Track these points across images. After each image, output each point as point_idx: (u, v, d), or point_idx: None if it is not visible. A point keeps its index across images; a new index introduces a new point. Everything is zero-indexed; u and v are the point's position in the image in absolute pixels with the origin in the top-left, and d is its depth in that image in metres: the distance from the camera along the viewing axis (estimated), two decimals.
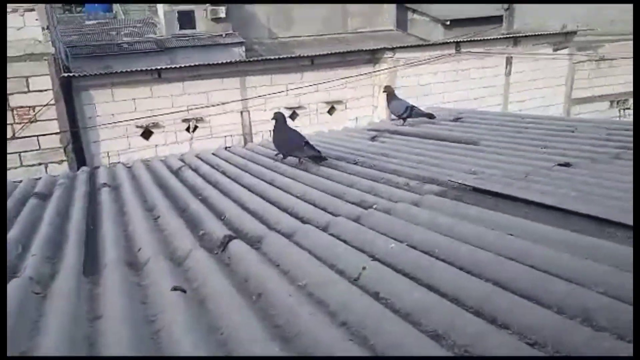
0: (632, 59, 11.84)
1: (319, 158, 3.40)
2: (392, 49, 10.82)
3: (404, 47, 11.01)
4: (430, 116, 4.84)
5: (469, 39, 11.66)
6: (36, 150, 9.21)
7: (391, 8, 17.52)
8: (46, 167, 9.49)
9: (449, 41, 11.30)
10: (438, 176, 2.60)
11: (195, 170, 3.59)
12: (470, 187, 2.22)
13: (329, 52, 10.61)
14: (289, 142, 3.62)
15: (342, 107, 11.22)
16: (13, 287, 1.62)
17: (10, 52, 8.60)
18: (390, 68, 10.80)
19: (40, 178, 3.82)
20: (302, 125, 10.99)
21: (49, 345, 1.24)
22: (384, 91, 5.22)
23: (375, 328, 1.21)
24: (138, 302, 1.49)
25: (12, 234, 2.36)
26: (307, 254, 1.73)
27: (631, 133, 3.24)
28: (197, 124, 10.31)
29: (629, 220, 1.61)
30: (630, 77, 12.09)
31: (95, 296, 1.59)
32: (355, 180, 2.76)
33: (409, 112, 4.80)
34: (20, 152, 9.14)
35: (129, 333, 1.29)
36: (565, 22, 12.47)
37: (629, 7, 11.78)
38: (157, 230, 2.30)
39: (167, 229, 2.28)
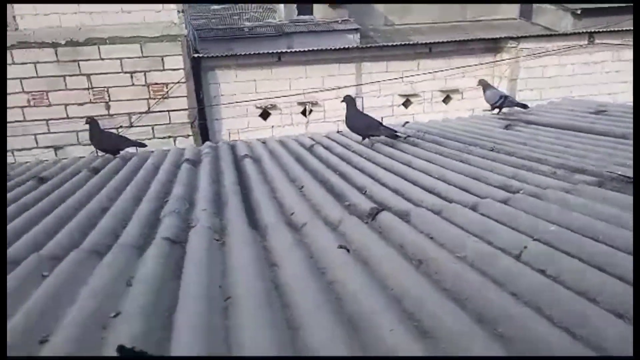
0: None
1: (395, 136, 3.67)
2: (517, 38, 10.30)
3: (529, 36, 10.43)
4: (524, 106, 4.91)
5: (603, 29, 10.75)
6: (166, 124, 10.00)
7: None
8: (175, 140, 10.31)
9: (580, 31, 10.51)
10: (588, 167, 2.50)
11: (328, 149, 3.74)
12: (630, 179, 2.11)
13: (449, 40, 10.37)
14: (365, 123, 3.84)
15: (458, 96, 10.94)
16: (196, 233, 1.84)
17: (149, 33, 9.38)
18: (513, 58, 10.32)
19: (184, 148, 4.20)
20: (415, 113, 10.91)
21: (242, 286, 1.41)
22: (478, 84, 5.31)
23: (550, 300, 1.23)
24: (307, 257, 1.63)
25: (177, 191, 2.64)
26: (459, 230, 1.77)
27: None
28: (312, 108, 10.61)
29: None
30: None
31: (267, 248, 1.76)
32: (495, 165, 2.73)
33: (503, 100, 4.93)
34: (153, 125, 9.96)
35: (307, 282, 1.42)
36: None
37: None
38: (304, 198, 2.45)
39: (313, 198, 2.43)
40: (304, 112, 10.65)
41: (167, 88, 9.82)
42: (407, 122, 4.73)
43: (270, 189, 2.68)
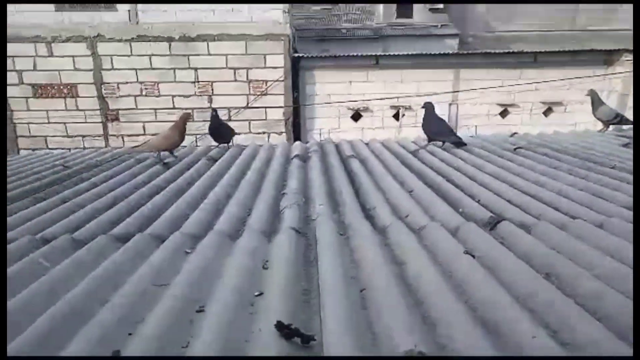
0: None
1: (460, 143, 3.95)
2: (632, 51, 9.62)
3: None
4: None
5: None
6: (263, 120, 10.39)
7: (629, 5, 15.48)
8: (268, 136, 10.68)
9: None
10: None
11: (432, 154, 3.74)
12: None
13: (557, 50, 9.89)
14: (436, 128, 4.10)
15: (560, 109, 10.42)
16: (320, 226, 1.94)
17: (254, 31, 9.77)
18: (627, 71, 9.65)
19: (293, 144, 4.38)
20: (512, 124, 10.52)
21: (374, 280, 1.48)
22: (587, 94, 5.13)
23: None
24: (431, 258, 1.67)
25: (292, 185, 2.78)
26: (588, 247, 1.73)
27: None
28: (405, 112, 10.55)
29: None
30: None
31: (390, 246, 1.82)
32: (618, 185, 2.60)
33: (620, 119, 4.80)
34: (250, 120, 10.38)
35: (437, 283, 1.46)
36: None
37: None
38: (416, 202, 2.49)
39: (424, 203, 2.46)
40: (396, 116, 10.61)
41: (266, 85, 10.18)
42: (515, 133, 4.60)
43: (380, 189, 2.73)
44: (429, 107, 4.22)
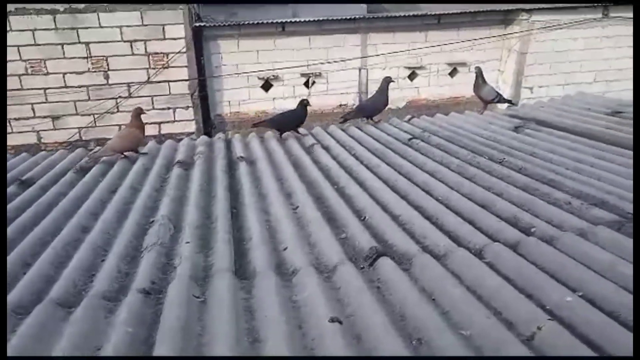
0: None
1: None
2: (529, 11, 9.87)
3: (542, 9, 9.97)
4: (511, 103, 5.40)
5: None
6: (166, 95, 9.78)
7: None
8: (174, 112, 10.10)
9: (595, 5, 10.03)
10: (604, 196, 2.31)
11: (327, 149, 3.54)
12: None
13: (459, 12, 9.94)
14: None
15: (465, 69, 10.60)
16: (175, 288, 1.68)
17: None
18: (524, 31, 9.92)
19: (180, 143, 4.01)
20: (420, 86, 10.61)
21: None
22: (475, 70, 5.44)
23: None
24: (295, 327, 1.48)
25: (163, 209, 2.47)
26: (464, 290, 1.60)
27: None
28: (315, 80, 10.31)
29: None
30: None
31: (251, 309, 1.60)
32: (503, 187, 2.53)
33: (500, 98, 5.20)
34: (153, 95, 9.74)
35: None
36: None
37: None
38: (299, 224, 2.29)
39: (308, 225, 2.26)
40: (306, 84, 10.37)
41: (167, 58, 9.56)
42: (412, 118, 4.49)
43: (263, 207, 2.51)
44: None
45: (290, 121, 4.18)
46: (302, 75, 10.33)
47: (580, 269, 1.67)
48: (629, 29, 10.02)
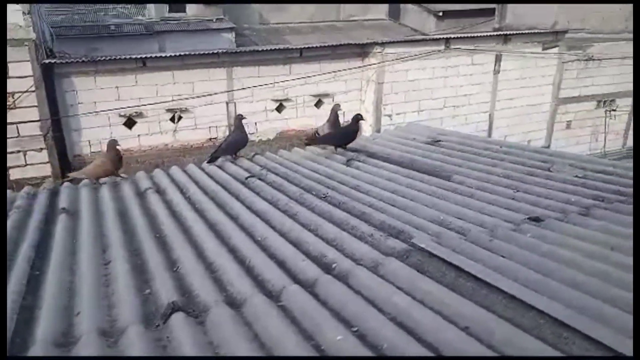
0: (620, 60, 11.86)
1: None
2: (382, 44, 10.66)
3: (393, 42, 10.85)
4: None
5: (458, 36, 11.52)
6: (15, 137, 9.04)
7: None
8: (25, 155, 9.34)
9: (438, 37, 11.13)
10: (404, 227, 2.52)
11: (162, 193, 3.48)
12: (432, 254, 2.14)
13: (318, 45, 10.42)
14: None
15: (329, 100, 11.09)
16: None
17: None
18: (379, 63, 10.66)
19: (62, 185, 3.77)
20: (289, 118, 10.89)
21: None
22: (333, 109, 5.33)
23: None
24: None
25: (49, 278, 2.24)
26: (251, 342, 1.65)
27: (606, 177, 3.19)
28: (182, 115, 10.13)
29: (590, 330, 1.53)
30: (618, 78, 12.14)
31: None
32: (320, 223, 2.67)
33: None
34: None
35: None
36: (559, 16, 12.30)
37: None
38: (105, 282, 2.20)
39: (114, 282, 2.19)
40: (172, 119, 10.16)
41: (13, 98, 8.85)
42: (255, 154, 4.57)
43: (69, 267, 2.38)
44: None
45: (345, 136, 4.50)
46: (168, 110, 10.12)
47: (361, 304, 1.80)
48: (469, 59, 11.23)
